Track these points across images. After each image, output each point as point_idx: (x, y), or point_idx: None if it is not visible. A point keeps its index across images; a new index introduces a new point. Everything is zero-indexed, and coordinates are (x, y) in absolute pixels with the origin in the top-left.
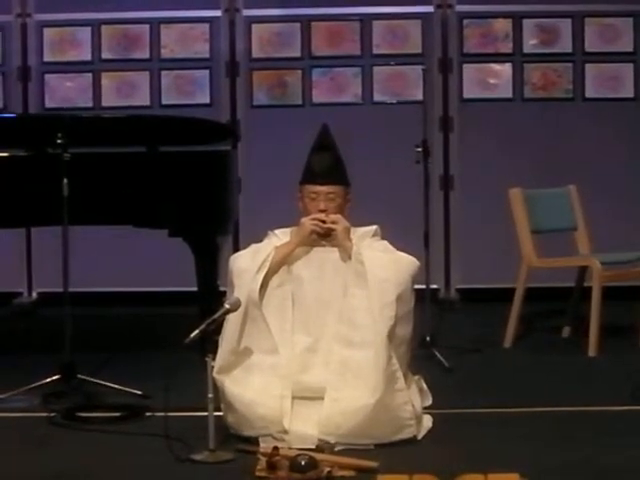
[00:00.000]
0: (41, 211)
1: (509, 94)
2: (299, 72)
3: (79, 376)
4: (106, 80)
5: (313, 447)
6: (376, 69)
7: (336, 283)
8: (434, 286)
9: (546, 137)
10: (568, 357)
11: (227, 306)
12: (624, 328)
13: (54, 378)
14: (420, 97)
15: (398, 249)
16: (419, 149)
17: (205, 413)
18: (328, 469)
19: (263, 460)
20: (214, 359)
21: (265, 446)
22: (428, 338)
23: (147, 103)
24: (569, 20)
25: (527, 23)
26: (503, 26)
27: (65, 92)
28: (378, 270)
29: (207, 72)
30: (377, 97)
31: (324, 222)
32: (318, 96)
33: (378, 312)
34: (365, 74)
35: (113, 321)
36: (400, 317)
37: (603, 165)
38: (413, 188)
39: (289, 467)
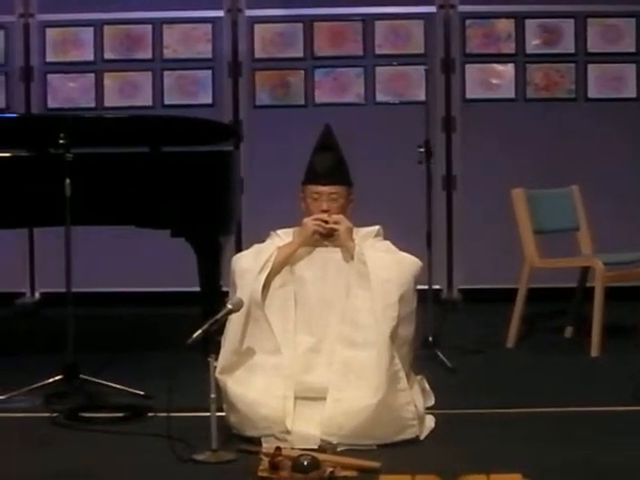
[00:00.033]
0: (44, 211)
1: (512, 94)
2: (302, 72)
3: (81, 376)
4: (109, 80)
5: (315, 447)
6: (379, 69)
7: (339, 283)
8: (437, 286)
9: (549, 137)
10: (571, 357)
11: (230, 306)
12: (627, 328)
13: (57, 378)
14: (422, 97)
15: (400, 249)
16: (421, 149)
17: (207, 413)
18: (330, 469)
19: (265, 460)
20: (216, 359)
21: (267, 446)
22: (431, 338)
23: (149, 103)
24: (572, 20)
25: (530, 23)
26: (506, 26)
27: (68, 92)
28: (381, 271)
29: (210, 72)
30: (379, 97)
31: (327, 222)
32: (321, 96)
33: (381, 312)
34: (368, 74)
35: (116, 321)
36: (403, 317)
37: (606, 165)
38: (415, 188)
39: (291, 467)
